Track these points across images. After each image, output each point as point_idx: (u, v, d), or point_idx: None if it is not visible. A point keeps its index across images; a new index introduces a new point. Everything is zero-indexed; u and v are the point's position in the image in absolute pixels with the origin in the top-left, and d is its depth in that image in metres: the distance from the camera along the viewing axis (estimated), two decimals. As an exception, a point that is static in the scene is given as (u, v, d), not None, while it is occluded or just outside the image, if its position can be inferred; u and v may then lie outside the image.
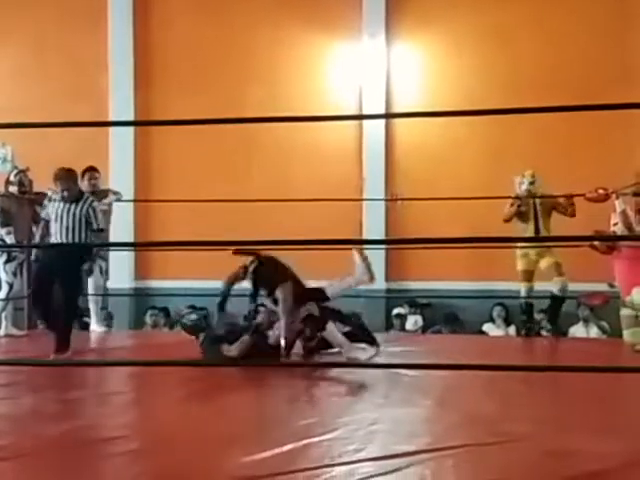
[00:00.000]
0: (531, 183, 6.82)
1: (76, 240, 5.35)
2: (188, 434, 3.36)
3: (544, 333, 7.57)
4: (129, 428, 3.60)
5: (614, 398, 4.09)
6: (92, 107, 9.13)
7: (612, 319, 8.00)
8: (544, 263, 6.72)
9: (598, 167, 8.13)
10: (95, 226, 5.44)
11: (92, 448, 3.14)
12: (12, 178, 6.73)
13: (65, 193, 5.41)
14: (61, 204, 5.42)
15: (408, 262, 9.04)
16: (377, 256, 9.01)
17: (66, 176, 5.46)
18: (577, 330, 8.12)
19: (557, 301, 6.82)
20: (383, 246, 8.90)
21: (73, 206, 5.40)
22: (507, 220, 6.81)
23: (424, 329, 8.68)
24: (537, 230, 6.72)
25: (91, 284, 7.02)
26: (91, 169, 7.02)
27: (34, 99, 9.39)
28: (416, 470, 2.73)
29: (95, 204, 5.55)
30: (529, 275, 6.81)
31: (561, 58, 8.89)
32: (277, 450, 2.94)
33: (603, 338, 7.96)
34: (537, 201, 6.77)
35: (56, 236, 5.40)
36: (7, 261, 6.56)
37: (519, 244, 6.79)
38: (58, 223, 5.38)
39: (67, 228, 5.36)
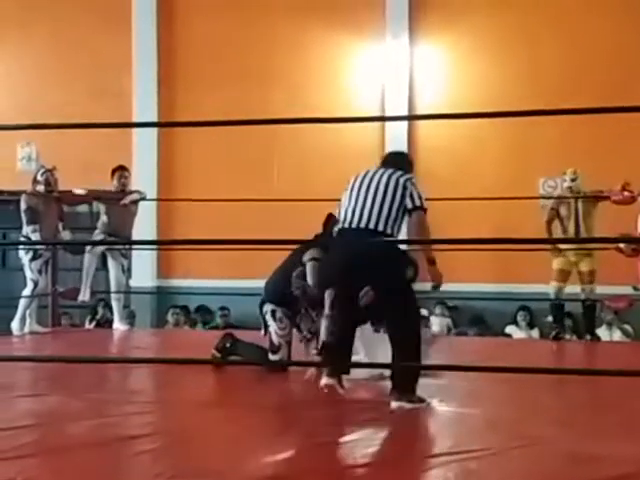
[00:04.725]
0: (573, 180, 6.63)
1: None
2: (209, 433, 3.36)
3: (567, 337, 7.49)
4: (151, 426, 3.62)
5: (639, 402, 4.04)
6: (116, 107, 9.18)
7: (636, 322, 7.92)
8: (585, 267, 6.56)
9: (624, 168, 8.02)
10: None
11: (114, 446, 3.16)
12: (39, 177, 6.79)
13: None
14: None
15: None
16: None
17: None
18: (600, 333, 8.03)
19: (590, 308, 6.70)
20: (405, 247, 8.82)
21: None
22: (548, 222, 6.66)
23: (448, 331, 8.63)
24: (577, 231, 6.49)
25: (113, 282, 7.10)
26: (121, 168, 7.18)
27: (58, 99, 9.46)
28: (438, 473, 2.71)
29: None
30: (565, 275, 6.60)
31: (585, 58, 8.80)
32: (296, 451, 2.94)
33: (627, 341, 7.87)
34: (579, 201, 6.55)
35: None
36: (33, 259, 6.62)
37: (560, 245, 6.59)
38: None
39: None
